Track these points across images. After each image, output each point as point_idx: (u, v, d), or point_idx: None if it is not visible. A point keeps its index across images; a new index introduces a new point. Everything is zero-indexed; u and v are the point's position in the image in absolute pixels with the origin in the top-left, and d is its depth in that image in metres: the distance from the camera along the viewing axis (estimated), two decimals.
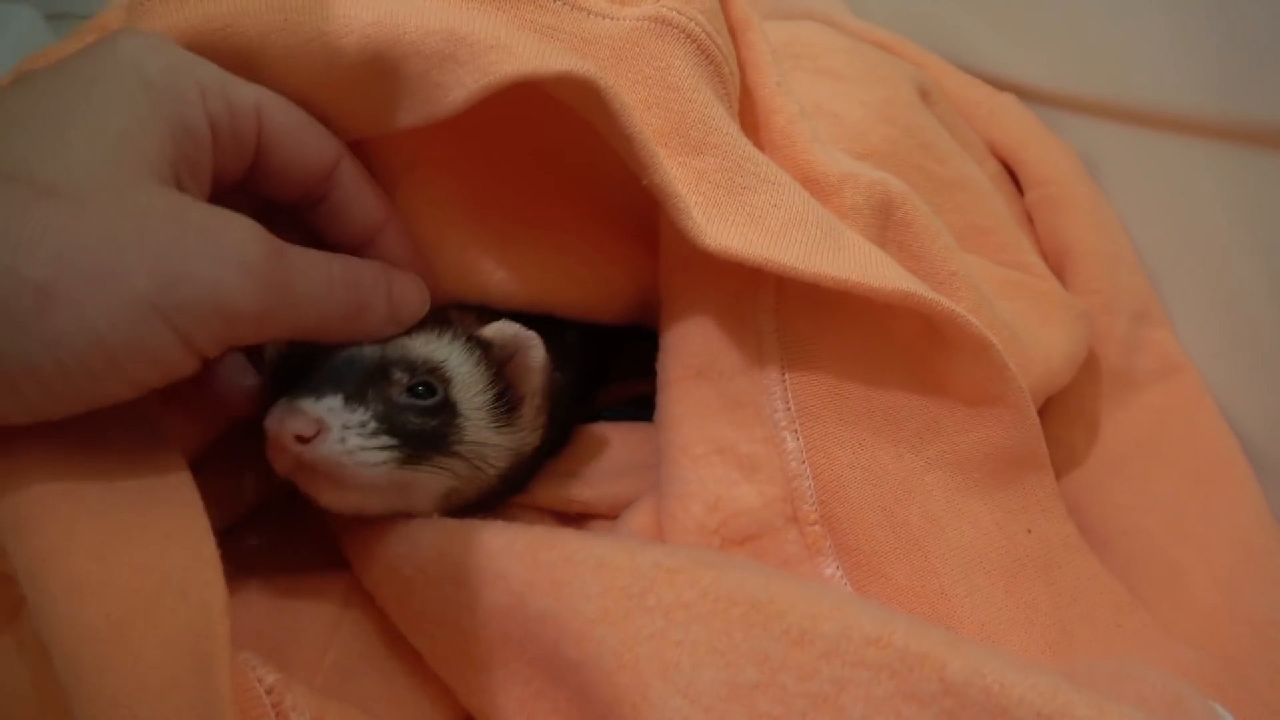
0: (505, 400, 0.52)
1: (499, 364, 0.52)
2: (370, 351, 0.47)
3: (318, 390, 0.45)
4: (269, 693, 0.39)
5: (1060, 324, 0.63)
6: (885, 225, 0.55)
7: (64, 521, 0.37)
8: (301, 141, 0.46)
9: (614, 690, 0.39)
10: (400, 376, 0.48)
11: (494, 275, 0.55)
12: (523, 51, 0.45)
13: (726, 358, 0.53)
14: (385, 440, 0.46)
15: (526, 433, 0.53)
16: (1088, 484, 0.62)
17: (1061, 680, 0.34)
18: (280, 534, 0.57)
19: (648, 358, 0.57)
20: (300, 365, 0.47)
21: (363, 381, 0.46)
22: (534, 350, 0.52)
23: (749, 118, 0.57)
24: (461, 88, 0.45)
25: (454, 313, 0.54)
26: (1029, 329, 0.59)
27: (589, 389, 0.64)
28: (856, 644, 0.37)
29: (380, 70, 0.46)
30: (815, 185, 0.53)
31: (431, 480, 0.49)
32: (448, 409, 0.49)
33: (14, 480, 0.38)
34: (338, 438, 0.44)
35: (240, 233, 0.41)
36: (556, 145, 0.55)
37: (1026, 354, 0.57)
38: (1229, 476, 0.59)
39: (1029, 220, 0.74)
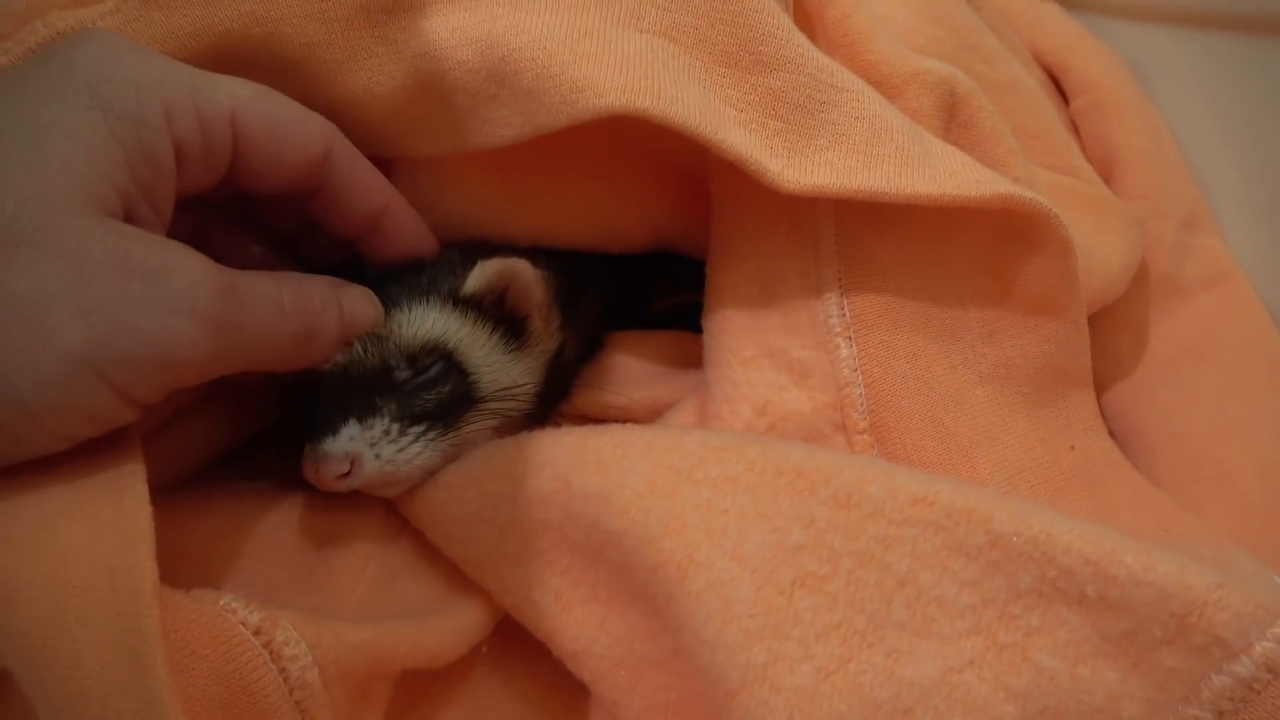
0: (512, 328, 0.52)
1: (494, 302, 0.51)
2: (368, 356, 0.48)
3: (333, 425, 0.46)
4: (257, 633, 0.38)
5: (1116, 231, 0.61)
6: (949, 127, 0.54)
7: None
8: (283, 140, 0.43)
9: (658, 555, 0.40)
10: (402, 370, 0.48)
11: (504, 208, 0.55)
12: (602, 86, 0.45)
13: (782, 264, 0.52)
14: (414, 431, 0.47)
15: (543, 344, 0.54)
16: (1135, 391, 0.61)
17: (1109, 530, 0.34)
18: None
19: (695, 268, 0.56)
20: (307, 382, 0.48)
21: (368, 392, 0.47)
22: (520, 274, 0.51)
23: (802, 17, 0.55)
24: (509, 128, 0.47)
25: (437, 273, 0.52)
26: (1086, 237, 0.58)
27: (622, 294, 0.64)
28: (902, 503, 0.37)
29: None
30: (879, 87, 0.51)
31: (474, 432, 0.50)
32: (457, 372, 0.50)
33: None
34: (372, 457, 0.46)
35: (189, 274, 0.37)
36: None
37: (1088, 262, 0.56)
38: (1278, 378, 0.59)
39: (1075, 128, 0.72)
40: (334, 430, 0.45)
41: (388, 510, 0.51)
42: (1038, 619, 0.34)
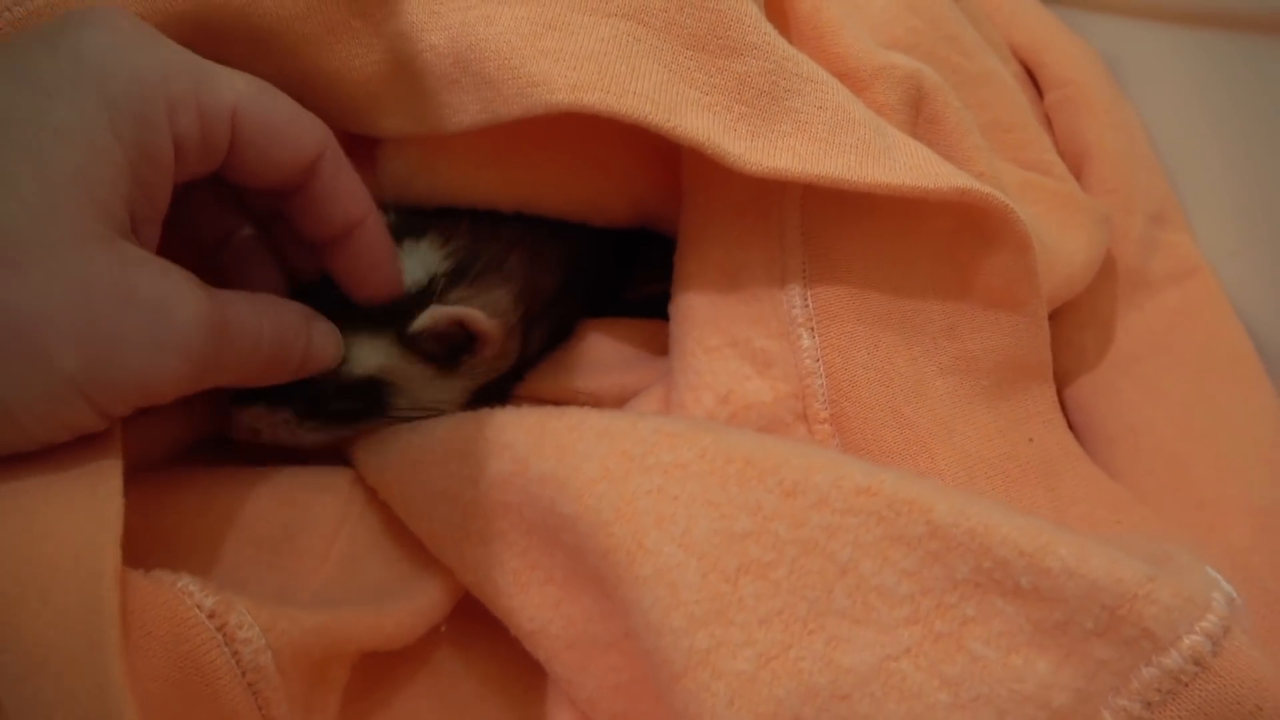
0: (456, 352, 0.52)
1: (441, 337, 0.51)
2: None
3: (248, 398, 0.49)
4: (211, 616, 0.38)
5: (1081, 228, 0.62)
6: (915, 121, 0.54)
7: None
8: (279, 140, 0.43)
9: (609, 540, 0.40)
10: (328, 386, 0.49)
11: (482, 173, 0.54)
12: (555, 82, 0.46)
13: (746, 252, 0.53)
14: (310, 424, 0.50)
15: (489, 368, 0.54)
16: (1097, 384, 0.61)
17: (1045, 523, 0.34)
18: None
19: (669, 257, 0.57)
20: None
21: (289, 387, 0.48)
22: (480, 327, 0.51)
23: (775, 11, 0.56)
24: (467, 114, 0.48)
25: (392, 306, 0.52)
26: (1050, 233, 0.59)
27: (596, 282, 0.64)
28: (847, 493, 0.37)
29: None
30: (846, 80, 0.52)
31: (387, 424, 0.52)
32: (382, 391, 0.51)
33: None
34: (269, 429, 0.50)
35: (187, 310, 0.38)
36: None
37: (1050, 258, 0.56)
38: (1239, 374, 0.59)
39: (1048, 122, 0.73)
40: (247, 403, 0.49)
41: (354, 485, 0.52)
42: (973, 609, 0.34)
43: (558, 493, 0.43)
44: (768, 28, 0.48)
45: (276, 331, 0.43)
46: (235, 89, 0.41)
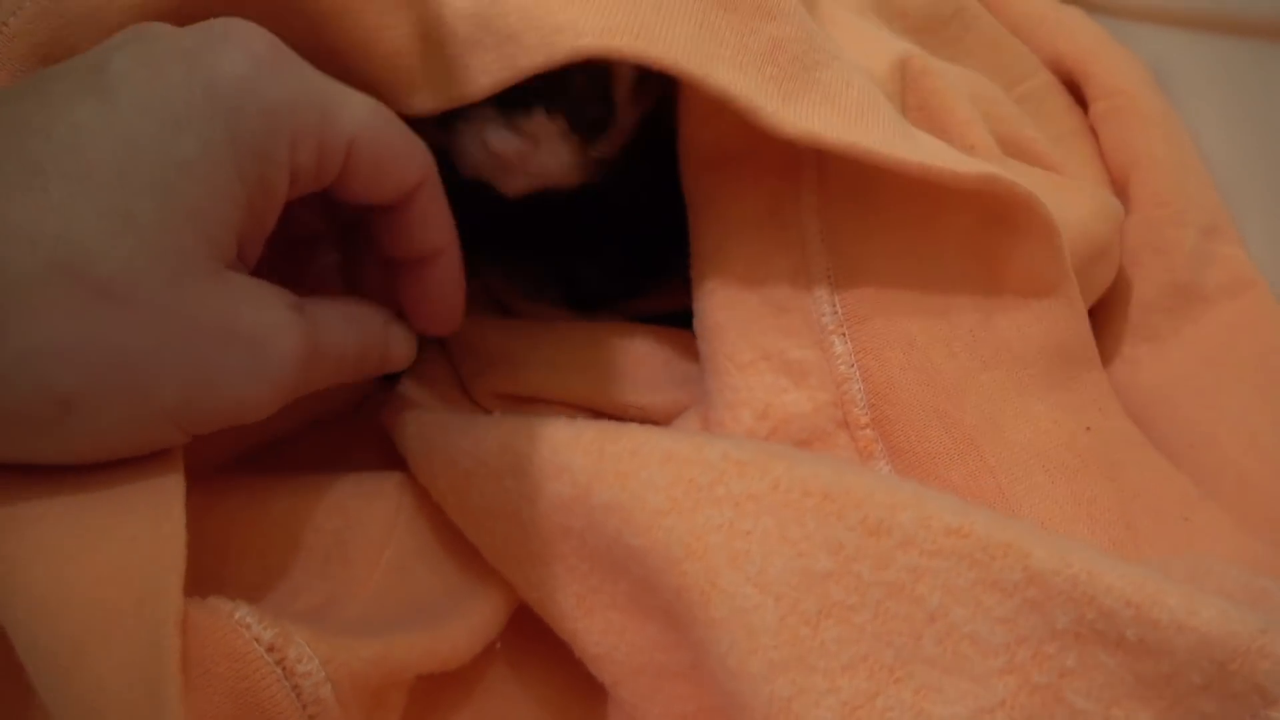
0: None
1: None
2: None
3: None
4: (270, 650, 0.37)
5: (1081, 193, 0.62)
6: (904, 107, 0.55)
7: (29, 527, 0.36)
8: (388, 170, 0.43)
9: (681, 578, 0.39)
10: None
11: None
12: (581, 26, 0.43)
13: (769, 262, 0.52)
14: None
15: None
16: (1155, 399, 0.60)
17: (1151, 571, 0.33)
18: (335, 437, 0.58)
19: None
20: None
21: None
22: None
23: None
24: (488, 75, 0.45)
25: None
26: (1053, 192, 0.57)
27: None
28: (936, 533, 0.36)
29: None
30: None
31: None
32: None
33: None
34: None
35: (286, 344, 0.38)
36: None
37: (1062, 216, 0.55)
38: None
39: (1089, 133, 0.72)
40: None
41: (402, 491, 0.51)
42: (1073, 660, 0.33)
43: (623, 524, 0.41)
44: (796, 2, 0.48)
45: (360, 344, 0.44)
46: (356, 119, 0.40)
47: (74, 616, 0.34)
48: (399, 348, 0.48)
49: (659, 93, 0.55)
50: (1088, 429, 0.51)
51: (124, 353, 0.34)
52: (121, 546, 0.36)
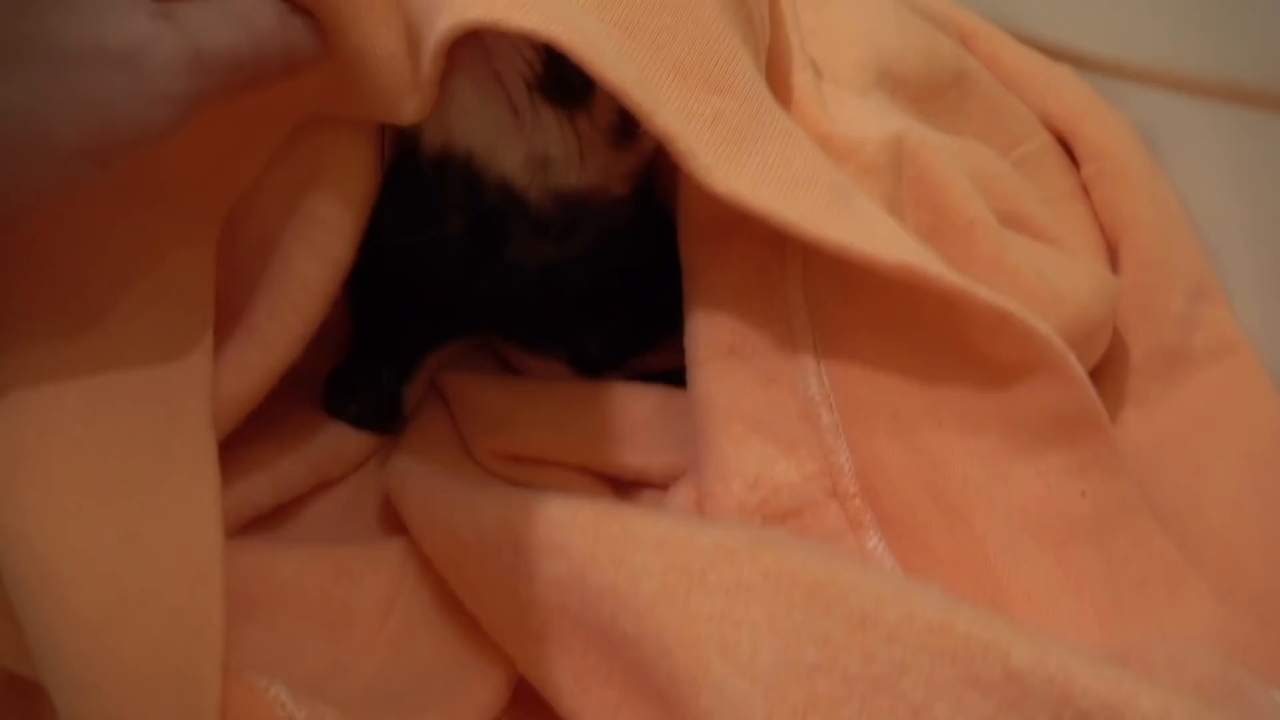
0: None
1: None
2: None
3: None
4: None
5: (1077, 265, 0.62)
6: (900, 181, 0.55)
7: (72, 591, 0.37)
8: None
9: (673, 668, 0.40)
10: None
11: None
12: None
13: (757, 334, 0.53)
14: None
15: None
16: (1143, 463, 0.61)
17: (1126, 673, 0.34)
18: (340, 502, 0.59)
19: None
20: None
21: None
22: None
23: (774, 73, 0.57)
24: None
25: None
26: (1052, 266, 0.59)
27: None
28: (919, 630, 0.37)
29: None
30: (832, 143, 0.54)
31: None
32: None
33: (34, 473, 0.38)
34: None
35: (160, 54, 0.36)
36: None
37: (1057, 290, 0.56)
38: None
39: (1085, 193, 0.73)
40: None
41: (405, 558, 0.52)
42: None
43: (618, 610, 0.42)
44: (754, 76, 0.48)
45: (253, 43, 0.41)
46: None
47: (114, 691, 0.35)
48: (300, 40, 0.44)
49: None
50: (1083, 494, 0.50)
51: (6, 107, 0.34)
52: (162, 620, 0.37)
